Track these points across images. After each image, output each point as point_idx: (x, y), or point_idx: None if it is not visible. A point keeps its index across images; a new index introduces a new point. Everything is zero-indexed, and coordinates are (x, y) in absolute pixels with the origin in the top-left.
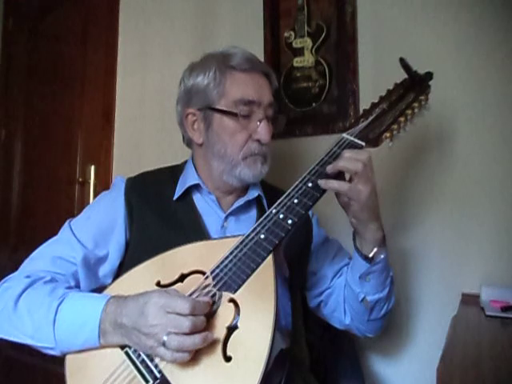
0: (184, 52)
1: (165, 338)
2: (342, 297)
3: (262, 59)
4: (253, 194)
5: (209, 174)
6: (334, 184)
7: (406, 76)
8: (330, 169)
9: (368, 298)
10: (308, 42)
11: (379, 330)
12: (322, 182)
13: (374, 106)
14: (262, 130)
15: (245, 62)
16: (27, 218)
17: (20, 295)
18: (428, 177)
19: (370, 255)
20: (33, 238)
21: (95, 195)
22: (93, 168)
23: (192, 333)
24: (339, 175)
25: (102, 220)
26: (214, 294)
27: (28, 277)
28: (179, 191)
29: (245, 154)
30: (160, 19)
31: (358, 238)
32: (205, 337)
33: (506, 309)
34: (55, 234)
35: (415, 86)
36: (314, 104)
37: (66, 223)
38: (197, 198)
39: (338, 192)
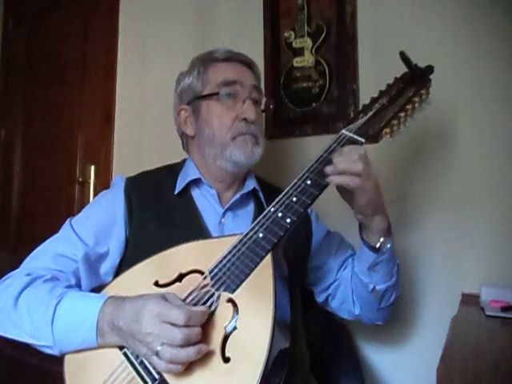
0: (184, 52)
1: (158, 348)
2: (350, 288)
3: (262, 59)
4: (248, 187)
5: (205, 165)
6: (345, 179)
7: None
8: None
9: (377, 288)
10: (308, 42)
11: (388, 318)
12: (332, 177)
13: (373, 101)
14: (247, 109)
15: (225, 52)
16: (27, 218)
17: (20, 293)
18: (428, 177)
19: (377, 246)
20: (33, 238)
21: (95, 195)
22: (93, 168)
23: (186, 344)
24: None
25: (102, 217)
26: (213, 294)
27: (28, 275)
28: (180, 186)
29: (233, 133)
30: (160, 19)
31: (364, 229)
32: (199, 349)
33: (506, 309)
34: (55, 234)
35: (416, 79)
36: (314, 104)
37: (67, 221)
38: (196, 193)
39: (348, 186)
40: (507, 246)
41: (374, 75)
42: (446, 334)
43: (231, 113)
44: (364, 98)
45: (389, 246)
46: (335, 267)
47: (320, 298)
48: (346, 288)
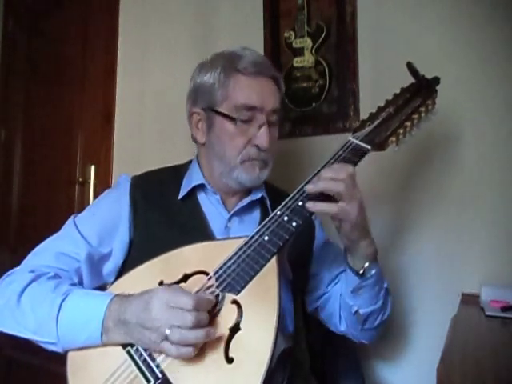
0: (184, 52)
1: (167, 331)
2: (338, 303)
3: None
4: (256, 194)
5: (211, 174)
6: (323, 206)
7: (405, 76)
8: (310, 189)
9: (361, 311)
10: (308, 42)
11: (374, 338)
12: (310, 205)
13: (380, 109)
14: (262, 136)
15: (251, 65)
16: (27, 217)
17: (23, 290)
18: (430, 178)
19: (361, 272)
20: (33, 238)
21: (95, 195)
22: (93, 168)
23: (196, 327)
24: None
25: (106, 217)
26: (217, 295)
27: (32, 271)
28: (184, 191)
29: (243, 158)
30: (160, 19)
31: (349, 254)
32: (208, 331)
33: (506, 309)
34: (56, 232)
35: (422, 90)
36: (313, 104)
37: (71, 219)
38: (201, 197)
39: (327, 214)
40: (507, 246)
41: (373, 75)
42: (446, 334)
43: (244, 137)
44: (364, 98)
45: (373, 271)
46: (327, 279)
47: (310, 308)
48: (335, 303)
